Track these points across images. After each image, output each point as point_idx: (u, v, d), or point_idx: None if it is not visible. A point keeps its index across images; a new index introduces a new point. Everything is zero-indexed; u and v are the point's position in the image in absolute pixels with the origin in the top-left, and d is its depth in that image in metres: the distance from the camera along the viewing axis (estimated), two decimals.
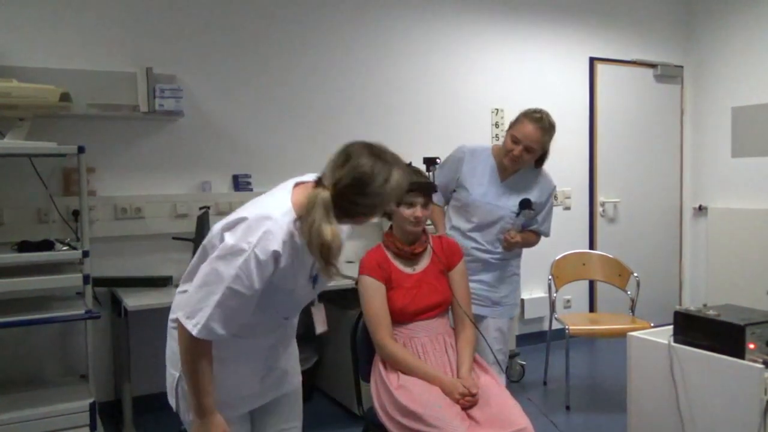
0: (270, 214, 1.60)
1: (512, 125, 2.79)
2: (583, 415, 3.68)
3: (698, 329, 2.46)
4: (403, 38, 4.42)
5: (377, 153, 1.63)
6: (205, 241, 1.72)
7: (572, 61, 5.08)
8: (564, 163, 4.99)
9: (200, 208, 3.48)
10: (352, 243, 4.27)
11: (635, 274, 4.12)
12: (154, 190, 3.64)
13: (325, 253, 1.56)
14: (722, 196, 5.34)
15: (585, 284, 5.17)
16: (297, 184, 1.73)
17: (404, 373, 2.27)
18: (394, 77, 4.39)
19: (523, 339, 4.72)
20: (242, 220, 1.60)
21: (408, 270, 2.43)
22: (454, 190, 2.92)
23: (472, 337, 2.42)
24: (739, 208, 5.15)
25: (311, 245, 1.57)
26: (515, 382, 4.14)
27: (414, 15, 4.45)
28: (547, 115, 2.78)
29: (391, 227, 2.49)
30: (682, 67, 5.56)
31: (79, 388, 3.07)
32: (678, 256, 5.67)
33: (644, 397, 2.67)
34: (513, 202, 2.80)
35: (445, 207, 3.01)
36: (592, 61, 5.16)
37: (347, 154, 1.63)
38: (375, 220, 1.86)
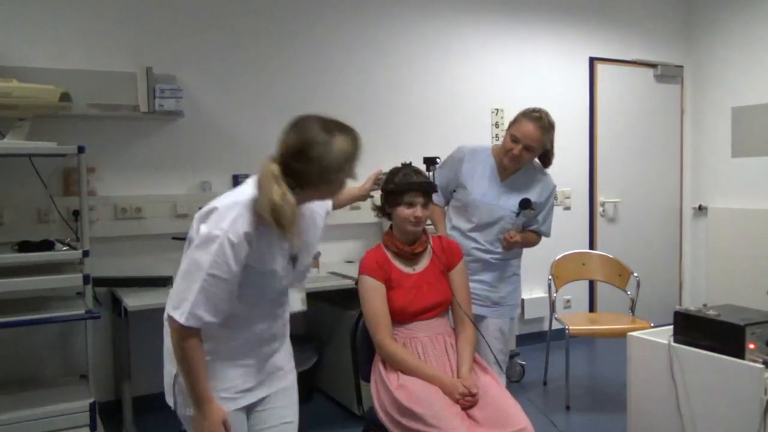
0: (239, 201, 1.70)
1: (511, 125, 2.79)
2: (583, 415, 3.68)
3: (698, 329, 2.46)
4: (403, 38, 4.42)
5: (323, 121, 1.73)
6: (189, 234, 1.79)
7: (572, 61, 5.08)
8: (564, 163, 4.96)
9: (200, 208, 3.47)
10: (353, 243, 4.28)
11: (635, 274, 4.12)
12: (154, 190, 3.64)
13: (276, 216, 1.63)
14: (722, 196, 5.34)
15: (585, 284, 5.17)
16: None
17: (404, 373, 2.27)
18: (394, 77, 4.40)
19: (523, 339, 4.72)
20: (214, 209, 1.70)
21: (408, 270, 2.43)
22: (454, 191, 2.92)
23: (472, 337, 2.42)
24: (739, 208, 5.14)
25: (264, 211, 1.64)
26: (515, 382, 4.14)
27: (414, 15, 4.45)
28: (547, 114, 2.78)
29: (391, 227, 2.49)
30: (682, 67, 5.56)
31: (79, 388, 3.07)
32: (678, 256, 5.67)
33: (644, 397, 2.67)
34: (513, 202, 2.80)
35: (446, 207, 3.01)
36: (592, 61, 5.16)
37: (295, 124, 1.73)
38: (332, 203, 1.97)
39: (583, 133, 5.16)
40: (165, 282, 3.36)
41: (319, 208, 1.98)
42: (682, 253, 5.69)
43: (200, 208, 1.74)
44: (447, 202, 2.99)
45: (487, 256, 2.84)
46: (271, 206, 1.63)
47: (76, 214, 3.28)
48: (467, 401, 2.20)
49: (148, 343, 3.48)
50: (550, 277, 4.13)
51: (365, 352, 2.49)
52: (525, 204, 2.76)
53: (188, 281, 1.66)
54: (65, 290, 3.14)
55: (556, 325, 3.99)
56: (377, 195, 2.55)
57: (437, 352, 2.37)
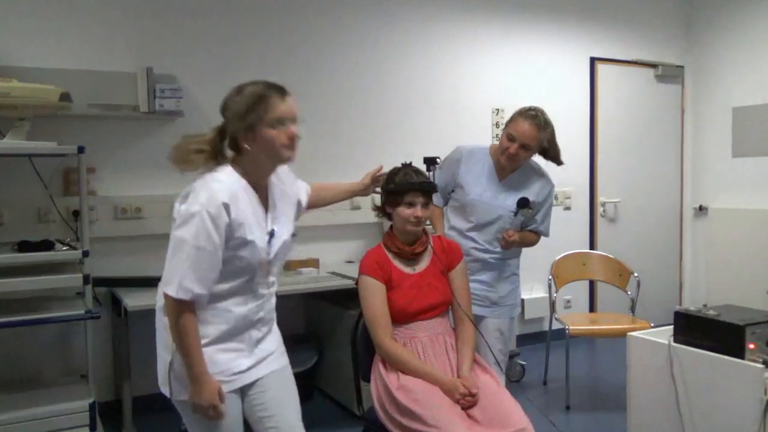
0: (213, 178, 1.84)
1: (508, 124, 2.80)
2: (583, 415, 3.68)
3: (698, 329, 2.46)
4: (403, 38, 4.42)
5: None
6: (173, 216, 1.91)
7: (573, 61, 5.08)
8: (564, 163, 4.98)
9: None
10: (353, 243, 4.28)
11: (635, 274, 4.11)
12: (154, 190, 3.64)
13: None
14: (722, 196, 5.34)
15: (585, 284, 5.17)
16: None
17: (404, 373, 2.27)
18: (395, 77, 4.39)
19: (523, 339, 4.72)
20: (191, 189, 1.85)
21: (408, 270, 2.43)
22: (453, 191, 2.92)
23: (472, 337, 2.42)
24: (739, 208, 5.14)
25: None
26: (515, 382, 4.14)
27: (414, 15, 4.45)
28: (542, 112, 2.79)
29: (391, 227, 2.49)
30: (682, 67, 5.56)
31: (79, 388, 3.08)
32: (678, 256, 5.67)
33: (644, 397, 2.67)
34: (511, 201, 2.79)
35: (444, 208, 3.01)
36: (593, 61, 5.16)
37: None
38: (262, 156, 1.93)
39: (583, 133, 5.16)
40: None
41: (288, 188, 2.07)
42: (683, 253, 5.69)
43: None
44: (445, 203, 2.99)
45: (486, 256, 2.84)
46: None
47: (76, 214, 3.28)
48: (467, 401, 2.20)
49: (148, 343, 3.47)
50: (550, 277, 4.13)
51: (365, 352, 2.49)
52: (523, 203, 2.76)
53: (176, 258, 1.78)
54: (65, 290, 3.14)
55: (556, 325, 3.99)
56: (377, 195, 2.54)
57: (437, 352, 2.36)
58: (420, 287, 2.40)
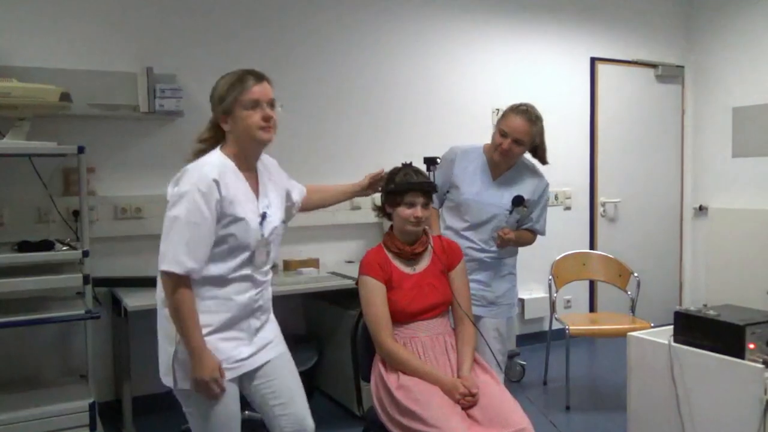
0: (203, 161, 1.95)
1: (499, 120, 2.81)
2: (583, 415, 3.68)
3: (698, 329, 2.46)
4: (403, 38, 4.42)
5: None
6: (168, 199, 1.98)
7: (573, 61, 5.08)
8: (564, 163, 4.99)
9: None
10: (353, 243, 4.28)
11: (635, 274, 4.11)
12: (154, 190, 3.63)
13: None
14: (722, 196, 5.34)
15: (585, 284, 5.17)
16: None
17: (404, 373, 2.27)
18: (395, 77, 4.39)
19: (523, 339, 4.72)
20: (184, 171, 1.93)
21: (408, 270, 2.43)
22: (448, 191, 2.92)
23: (472, 337, 2.42)
24: (739, 208, 5.14)
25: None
26: (515, 382, 4.14)
27: (414, 15, 4.45)
28: (533, 107, 2.80)
29: (391, 227, 2.49)
30: (682, 67, 5.56)
31: (79, 388, 3.07)
32: (678, 256, 5.67)
33: (644, 397, 2.67)
34: (506, 200, 2.80)
35: (440, 209, 3.01)
36: (593, 61, 5.16)
37: None
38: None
39: (583, 133, 5.16)
40: None
41: (277, 179, 2.16)
42: (683, 253, 5.69)
43: None
44: (441, 204, 2.98)
45: (482, 255, 2.84)
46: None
47: (76, 214, 3.28)
48: (467, 401, 2.20)
49: (148, 343, 3.47)
50: (550, 277, 4.13)
51: (365, 352, 2.49)
52: (518, 201, 2.77)
53: (169, 235, 1.87)
54: (65, 290, 3.14)
55: (556, 325, 3.99)
56: (377, 195, 2.54)
57: (437, 352, 2.36)
58: (420, 287, 2.40)
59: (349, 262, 4.16)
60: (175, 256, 1.84)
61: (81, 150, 2.91)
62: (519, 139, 2.73)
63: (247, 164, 2.02)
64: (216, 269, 1.93)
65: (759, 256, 4.89)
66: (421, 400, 2.15)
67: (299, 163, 3.86)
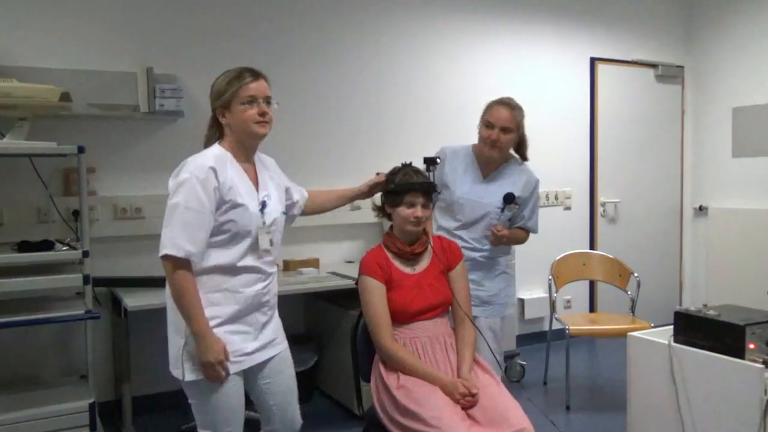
0: (201, 153, 2.04)
1: (482, 116, 2.85)
2: (583, 415, 3.68)
3: (698, 329, 2.46)
4: (403, 39, 4.42)
5: None
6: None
7: (573, 61, 5.08)
8: (564, 163, 5.00)
9: None
10: (353, 243, 4.28)
11: (635, 274, 4.11)
12: (154, 190, 3.64)
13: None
14: (722, 196, 5.34)
15: (585, 284, 5.17)
16: None
17: (404, 373, 2.27)
18: (395, 78, 4.39)
19: (523, 339, 4.71)
20: (181, 165, 2.01)
21: (408, 270, 2.43)
22: (440, 192, 2.92)
23: (472, 337, 2.42)
24: (739, 208, 5.14)
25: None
26: (515, 382, 4.14)
27: (414, 15, 4.45)
28: (512, 98, 2.88)
29: (391, 227, 2.49)
30: (682, 67, 5.56)
31: (79, 388, 3.07)
32: (678, 256, 5.67)
33: (644, 397, 2.67)
34: (497, 198, 2.81)
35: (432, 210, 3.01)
36: (593, 61, 5.16)
37: None
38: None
39: (583, 133, 5.15)
40: (165, 282, 3.35)
41: (277, 177, 2.24)
42: (683, 253, 5.69)
43: None
44: (433, 204, 2.99)
45: (475, 254, 2.84)
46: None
47: (76, 214, 3.28)
48: (467, 401, 2.20)
49: (148, 343, 3.49)
50: (550, 277, 4.13)
51: (365, 352, 2.48)
52: (509, 198, 2.78)
53: (168, 223, 1.94)
54: (65, 290, 3.13)
55: (556, 325, 3.99)
56: (377, 195, 2.55)
57: (437, 353, 2.36)
58: (420, 287, 2.40)
59: (349, 262, 4.16)
60: (174, 240, 1.91)
61: (81, 150, 2.91)
62: (505, 126, 2.77)
63: (245, 156, 2.11)
64: (221, 257, 2.00)
65: (759, 256, 4.89)
66: (421, 400, 2.15)
67: (299, 162, 3.86)
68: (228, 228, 2.00)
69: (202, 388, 2.00)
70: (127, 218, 3.57)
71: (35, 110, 2.94)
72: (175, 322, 2.01)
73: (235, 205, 2.00)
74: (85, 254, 2.93)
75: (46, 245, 2.95)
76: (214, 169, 1.97)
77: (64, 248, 2.98)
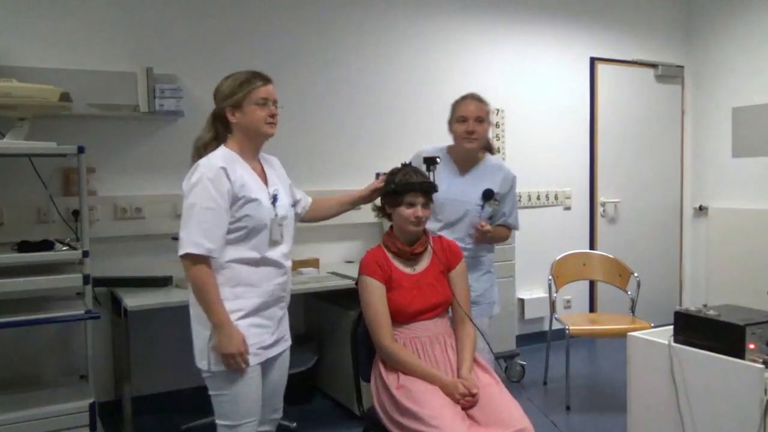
0: (210, 155, 2.12)
1: (452, 114, 2.96)
2: (583, 415, 3.68)
3: (698, 329, 2.45)
4: (404, 39, 4.42)
5: None
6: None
7: (573, 61, 5.08)
8: (564, 163, 5.00)
9: None
10: (353, 243, 4.28)
11: (635, 275, 4.11)
12: (154, 190, 3.64)
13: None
14: (722, 196, 5.34)
15: (585, 284, 5.17)
16: None
17: (404, 373, 2.27)
18: (395, 78, 4.39)
19: (523, 339, 4.72)
20: (194, 167, 2.09)
21: (408, 270, 2.43)
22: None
23: (472, 338, 2.42)
24: (739, 208, 5.14)
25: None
26: (515, 382, 4.14)
27: (414, 16, 4.45)
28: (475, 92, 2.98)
29: (391, 227, 2.49)
30: (682, 67, 5.56)
31: (79, 388, 3.07)
32: (678, 256, 5.67)
33: (644, 397, 2.67)
34: (476, 195, 2.83)
35: None
36: (593, 61, 5.16)
37: None
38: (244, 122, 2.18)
39: (583, 133, 5.15)
40: (165, 282, 3.36)
41: (282, 176, 2.34)
42: (683, 253, 5.69)
43: None
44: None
45: None
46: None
47: (76, 214, 3.28)
48: (467, 401, 2.20)
49: (148, 343, 3.49)
50: (550, 277, 4.13)
51: (365, 352, 2.49)
52: (488, 194, 2.81)
53: (186, 223, 2.03)
54: (65, 290, 3.13)
55: (556, 325, 3.99)
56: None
57: (437, 352, 2.37)
58: (420, 287, 2.40)
59: (349, 262, 4.16)
60: (191, 237, 2.00)
61: (81, 150, 2.91)
62: (479, 116, 2.87)
63: (251, 155, 2.21)
64: (242, 252, 2.09)
65: (759, 256, 4.89)
66: (421, 400, 2.15)
67: (300, 163, 3.86)
68: (245, 224, 2.09)
69: (226, 380, 2.07)
70: (127, 218, 3.57)
71: (35, 110, 2.94)
72: (198, 315, 2.09)
73: (249, 200, 2.09)
74: (85, 254, 2.92)
75: (46, 245, 2.95)
76: (224, 169, 2.05)
77: (64, 248, 2.98)
